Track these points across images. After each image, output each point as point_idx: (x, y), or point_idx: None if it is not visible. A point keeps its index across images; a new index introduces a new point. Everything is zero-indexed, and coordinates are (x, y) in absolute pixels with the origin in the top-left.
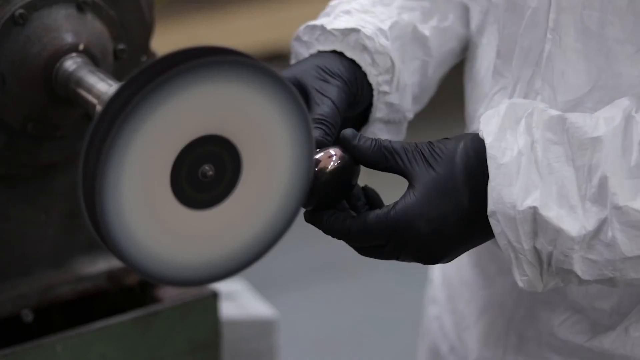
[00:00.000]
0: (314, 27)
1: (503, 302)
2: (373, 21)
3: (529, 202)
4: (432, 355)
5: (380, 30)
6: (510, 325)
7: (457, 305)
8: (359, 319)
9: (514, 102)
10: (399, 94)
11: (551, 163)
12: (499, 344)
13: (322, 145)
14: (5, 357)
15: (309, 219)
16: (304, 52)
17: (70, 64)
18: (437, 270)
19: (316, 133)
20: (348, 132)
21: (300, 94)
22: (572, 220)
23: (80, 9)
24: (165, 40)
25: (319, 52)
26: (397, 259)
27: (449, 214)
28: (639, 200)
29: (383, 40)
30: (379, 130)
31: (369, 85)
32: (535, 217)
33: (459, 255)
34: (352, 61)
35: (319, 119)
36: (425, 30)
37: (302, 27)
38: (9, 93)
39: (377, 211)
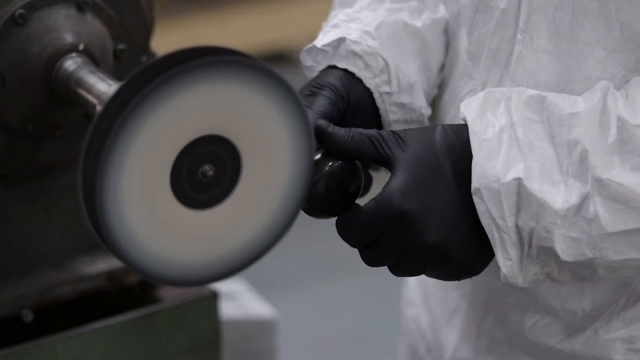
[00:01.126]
0: (310, 49)
1: (473, 303)
2: (358, 27)
3: (514, 173)
4: (410, 356)
5: (366, 32)
6: (480, 328)
7: (431, 306)
8: (359, 319)
9: (491, 90)
10: (407, 93)
11: (532, 141)
12: (469, 346)
13: None
14: (5, 357)
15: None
16: (310, 75)
17: (70, 64)
18: None
19: None
20: (321, 121)
21: None
22: (556, 194)
23: (80, 9)
24: (165, 40)
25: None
26: (395, 252)
27: (433, 186)
28: (619, 173)
29: (370, 41)
30: None
31: (368, 91)
32: (519, 190)
33: (454, 242)
34: (347, 70)
35: None
36: (416, 22)
37: (302, 54)
38: (9, 93)
39: (366, 203)
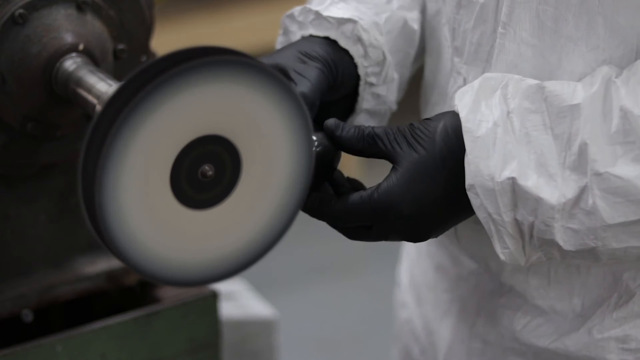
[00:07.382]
0: (309, 10)
1: (464, 306)
2: (369, 13)
3: (507, 173)
4: (404, 359)
5: (376, 24)
6: (473, 331)
7: (424, 308)
8: (359, 319)
9: (487, 76)
10: (386, 86)
11: (529, 132)
12: (462, 349)
13: None
14: (5, 357)
15: None
16: (295, 30)
17: (70, 64)
18: (404, 274)
19: None
20: (331, 122)
21: None
22: (552, 189)
23: (80, 9)
24: (165, 40)
25: (309, 36)
26: (386, 239)
27: (429, 193)
28: (619, 166)
29: (378, 35)
30: (364, 121)
31: (356, 74)
32: (514, 188)
33: (448, 229)
34: (336, 46)
35: None
36: (414, 24)
37: (298, 8)
38: (9, 93)
39: (362, 192)
